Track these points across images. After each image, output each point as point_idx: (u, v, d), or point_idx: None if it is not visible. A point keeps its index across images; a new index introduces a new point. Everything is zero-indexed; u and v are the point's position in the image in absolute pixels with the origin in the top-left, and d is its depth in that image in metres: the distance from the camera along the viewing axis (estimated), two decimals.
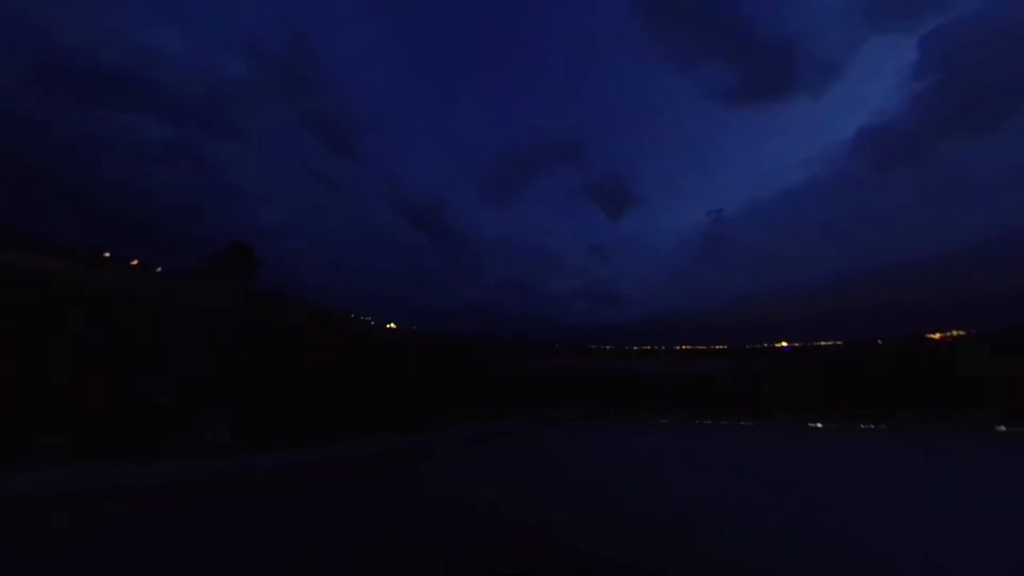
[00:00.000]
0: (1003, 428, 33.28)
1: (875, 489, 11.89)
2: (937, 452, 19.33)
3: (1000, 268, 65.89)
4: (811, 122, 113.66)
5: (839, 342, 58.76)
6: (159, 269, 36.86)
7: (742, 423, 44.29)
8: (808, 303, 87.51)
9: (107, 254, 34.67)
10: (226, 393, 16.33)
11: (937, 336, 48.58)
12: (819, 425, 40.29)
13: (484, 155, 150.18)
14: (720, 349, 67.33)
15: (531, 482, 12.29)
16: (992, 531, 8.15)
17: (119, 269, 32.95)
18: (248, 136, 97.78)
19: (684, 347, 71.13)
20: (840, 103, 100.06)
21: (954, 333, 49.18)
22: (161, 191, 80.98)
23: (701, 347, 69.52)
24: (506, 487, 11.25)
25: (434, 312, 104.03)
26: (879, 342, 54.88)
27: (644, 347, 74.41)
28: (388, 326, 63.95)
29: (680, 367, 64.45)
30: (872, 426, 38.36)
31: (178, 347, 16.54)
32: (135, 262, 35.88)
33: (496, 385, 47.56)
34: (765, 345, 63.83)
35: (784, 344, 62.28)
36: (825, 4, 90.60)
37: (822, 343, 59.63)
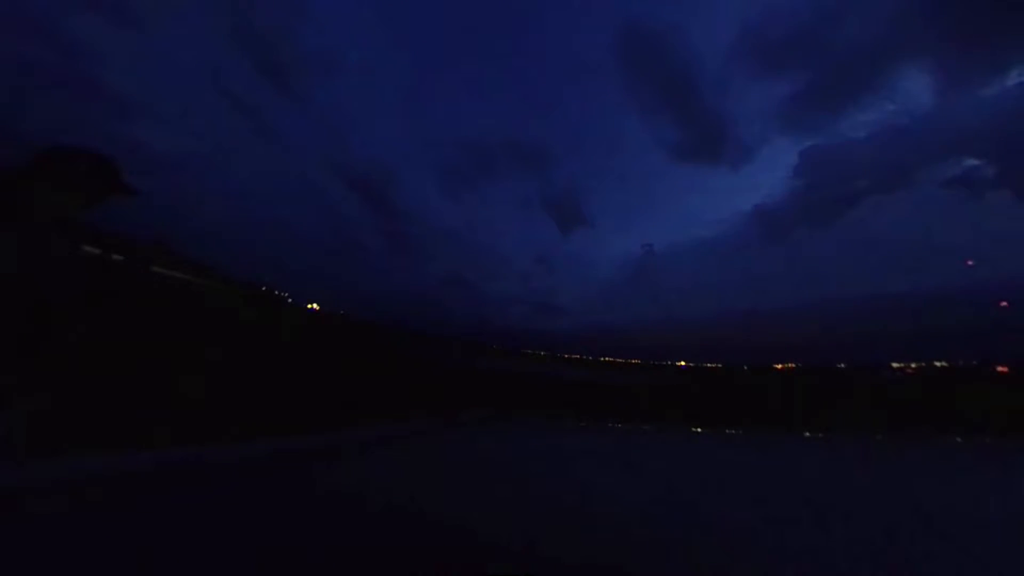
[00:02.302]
0: (809, 433, 49.61)
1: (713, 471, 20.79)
2: (763, 448, 30.59)
3: (821, 323, 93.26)
4: (727, 190, 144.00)
5: (719, 364, 76.20)
6: None
7: (644, 427, 56.41)
8: (703, 332, 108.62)
9: None
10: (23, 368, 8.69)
11: (779, 367, 67.15)
12: (699, 430, 53.89)
13: (448, 139, 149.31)
14: (635, 363, 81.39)
15: (452, 479, 11.03)
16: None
17: None
18: (147, 29, 76.83)
19: (606, 359, 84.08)
20: (748, 181, 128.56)
21: (790, 365, 68.28)
22: None
23: (620, 360, 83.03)
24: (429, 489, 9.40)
25: (367, 297, 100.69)
26: (744, 368, 72.91)
27: (574, 355, 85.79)
28: (310, 306, 56.90)
29: (601, 376, 76.60)
30: (733, 431, 52.94)
31: None
32: None
33: (423, 382, 48.03)
34: (669, 362, 79.29)
35: (682, 363, 78.25)
36: (752, 102, 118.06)
37: (707, 365, 76.62)
